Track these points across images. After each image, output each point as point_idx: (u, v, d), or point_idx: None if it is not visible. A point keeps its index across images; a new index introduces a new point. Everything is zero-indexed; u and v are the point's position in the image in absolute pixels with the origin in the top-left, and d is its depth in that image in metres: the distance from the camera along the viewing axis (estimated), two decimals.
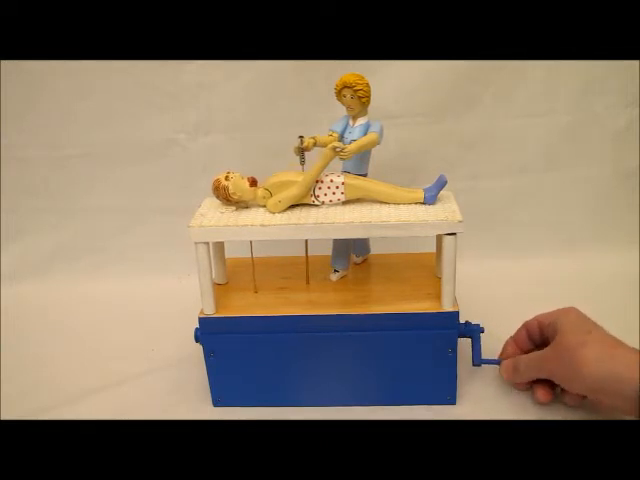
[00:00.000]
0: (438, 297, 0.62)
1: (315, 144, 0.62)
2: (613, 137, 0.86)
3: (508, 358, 0.64)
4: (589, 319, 0.58)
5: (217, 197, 0.62)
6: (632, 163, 0.88)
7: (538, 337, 0.63)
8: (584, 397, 0.58)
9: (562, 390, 0.59)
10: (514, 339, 0.66)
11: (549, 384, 0.60)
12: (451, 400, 0.64)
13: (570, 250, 0.91)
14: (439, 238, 0.64)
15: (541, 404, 0.61)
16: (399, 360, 0.62)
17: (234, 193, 0.61)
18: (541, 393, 0.61)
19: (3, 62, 0.82)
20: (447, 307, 0.61)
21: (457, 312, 0.60)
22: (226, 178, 0.61)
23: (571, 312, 0.60)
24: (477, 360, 0.64)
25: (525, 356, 0.62)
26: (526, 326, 0.65)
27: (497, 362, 0.65)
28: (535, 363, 0.60)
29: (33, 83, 0.84)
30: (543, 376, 0.59)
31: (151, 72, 0.82)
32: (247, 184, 0.62)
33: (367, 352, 0.62)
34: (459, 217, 0.58)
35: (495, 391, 0.66)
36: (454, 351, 0.61)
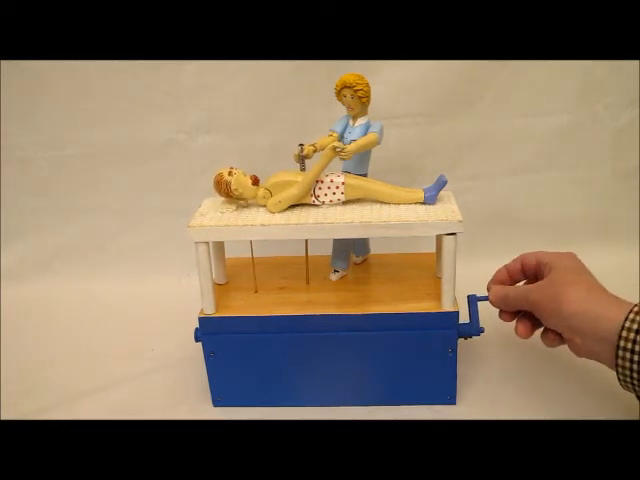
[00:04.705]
0: (438, 297, 0.62)
1: (315, 151, 0.62)
2: (613, 137, 0.86)
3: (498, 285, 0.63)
4: (585, 267, 0.59)
5: (218, 192, 0.62)
6: (632, 163, 0.88)
7: (532, 272, 0.62)
8: (561, 338, 0.57)
9: (543, 330, 0.59)
10: (507, 268, 0.64)
11: (531, 321, 0.60)
12: (451, 400, 0.64)
13: (570, 250, 0.90)
14: (439, 238, 0.64)
15: (520, 338, 0.60)
16: (399, 360, 0.62)
17: (236, 189, 0.61)
18: (522, 328, 0.60)
19: (3, 62, 0.82)
20: (447, 307, 0.61)
21: (457, 312, 0.60)
22: (229, 173, 0.61)
23: (570, 256, 0.60)
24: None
25: (515, 286, 0.62)
26: (522, 259, 0.64)
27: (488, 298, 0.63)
28: (523, 293, 0.59)
29: (33, 83, 0.84)
30: (527, 307, 0.59)
31: (151, 72, 0.82)
32: (249, 181, 0.62)
33: (367, 352, 0.62)
34: (459, 217, 0.58)
35: (495, 391, 0.66)
36: (454, 351, 0.61)
